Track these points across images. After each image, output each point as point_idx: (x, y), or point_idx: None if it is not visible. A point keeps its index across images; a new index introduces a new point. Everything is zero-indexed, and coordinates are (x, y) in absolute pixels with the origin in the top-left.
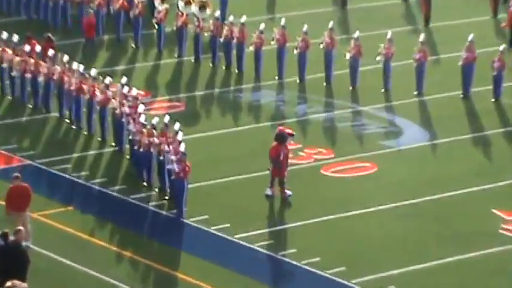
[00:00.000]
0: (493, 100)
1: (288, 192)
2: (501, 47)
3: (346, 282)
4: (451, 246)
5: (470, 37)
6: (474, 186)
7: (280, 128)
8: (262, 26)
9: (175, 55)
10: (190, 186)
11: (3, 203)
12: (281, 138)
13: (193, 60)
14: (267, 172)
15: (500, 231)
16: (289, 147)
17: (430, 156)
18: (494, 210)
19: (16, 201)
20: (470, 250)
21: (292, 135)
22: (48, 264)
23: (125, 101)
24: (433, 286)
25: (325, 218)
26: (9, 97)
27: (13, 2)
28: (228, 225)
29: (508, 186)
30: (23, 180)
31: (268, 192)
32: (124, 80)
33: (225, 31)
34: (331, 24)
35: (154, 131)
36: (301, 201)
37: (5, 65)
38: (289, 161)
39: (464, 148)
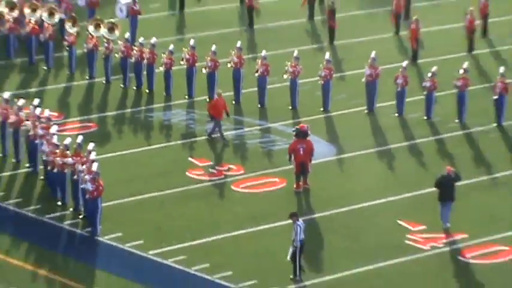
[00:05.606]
0: (396, 115)
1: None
2: (404, 63)
3: None
4: (360, 258)
5: (372, 54)
6: (380, 198)
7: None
8: (171, 46)
9: (87, 77)
10: (104, 204)
11: None
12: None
13: (104, 82)
14: (183, 189)
15: (406, 241)
16: (200, 164)
17: (336, 170)
18: (400, 222)
19: None
20: (377, 261)
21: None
22: None
23: (37, 123)
24: None
25: (236, 233)
26: None
27: None
28: (141, 242)
29: (413, 198)
30: None
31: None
32: (36, 101)
33: (135, 52)
34: (239, 43)
35: (67, 152)
36: (213, 217)
37: None
38: (200, 178)
39: (369, 162)
